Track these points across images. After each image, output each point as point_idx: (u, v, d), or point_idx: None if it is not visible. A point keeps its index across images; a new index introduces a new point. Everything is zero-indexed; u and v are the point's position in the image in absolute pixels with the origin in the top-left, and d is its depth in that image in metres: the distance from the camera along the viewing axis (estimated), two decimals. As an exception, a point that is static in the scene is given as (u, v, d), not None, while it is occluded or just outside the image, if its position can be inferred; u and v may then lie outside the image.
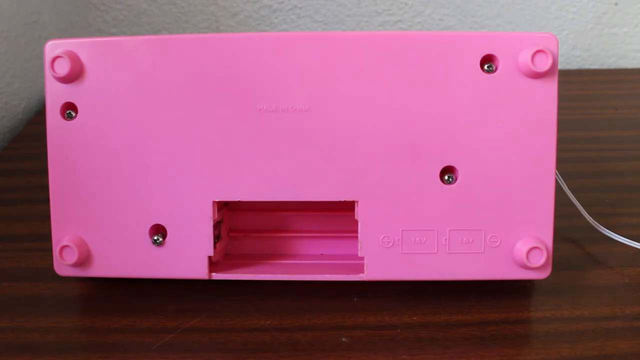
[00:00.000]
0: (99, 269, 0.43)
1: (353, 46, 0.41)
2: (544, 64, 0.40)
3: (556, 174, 0.42)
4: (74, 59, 0.42)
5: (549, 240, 0.42)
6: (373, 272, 0.43)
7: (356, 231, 0.43)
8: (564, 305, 0.43)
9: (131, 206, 0.43)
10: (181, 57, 0.42)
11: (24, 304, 0.44)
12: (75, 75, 0.42)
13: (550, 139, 0.41)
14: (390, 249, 0.42)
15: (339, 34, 0.41)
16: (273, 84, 0.42)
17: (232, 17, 0.98)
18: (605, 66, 1.03)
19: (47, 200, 0.43)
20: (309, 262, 0.46)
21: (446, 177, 0.42)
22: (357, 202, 0.42)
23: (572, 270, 0.47)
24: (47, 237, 0.45)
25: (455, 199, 0.42)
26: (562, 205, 0.46)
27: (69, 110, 0.43)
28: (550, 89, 0.41)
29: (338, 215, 0.46)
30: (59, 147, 0.43)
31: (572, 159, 0.65)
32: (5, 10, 0.79)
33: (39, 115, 0.83)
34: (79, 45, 0.42)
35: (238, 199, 0.42)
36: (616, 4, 0.99)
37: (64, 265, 0.43)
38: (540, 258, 0.41)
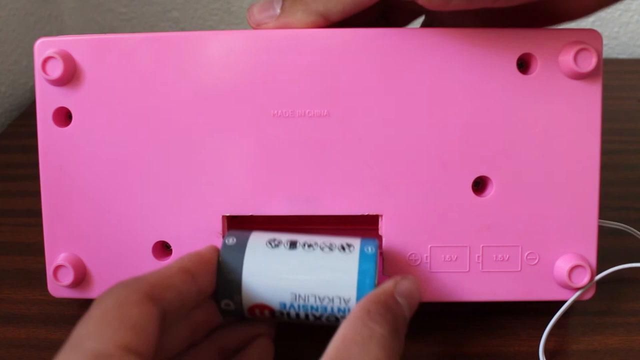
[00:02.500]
0: (97, 290, 0.40)
1: (377, 44, 0.37)
2: (587, 64, 0.37)
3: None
4: (68, 59, 0.38)
5: (592, 257, 0.39)
6: (400, 293, 0.39)
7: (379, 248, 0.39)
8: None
9: (132, 222, 0.39)
10: (186, 57, 0.38)
11: (13, 276, 0.47)
12: (68, 77, 0.38)
13: (593, 146, 0.38)
14: (418, 268, 0.39)
15: (361, 30, 0.37)
16: (289, 87, 0.38)
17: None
18: (633, 56, 0.99)
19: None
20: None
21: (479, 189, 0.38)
22: (381, 216, 0.39)
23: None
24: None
25: (489, 213, 0.38)
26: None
27: (62, 116, 0.39)
28: (594, 91, 0.38)
29: (360, 230, 0.42)
30: (51, 157, 0.39)
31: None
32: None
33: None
34: (72, 44, 0.38)
35: (250, 214, 0.39)
36: (647, -11, 0.96)
37: (58, 286, 0.39)
38: (584, 277, 0.38)
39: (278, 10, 0.38)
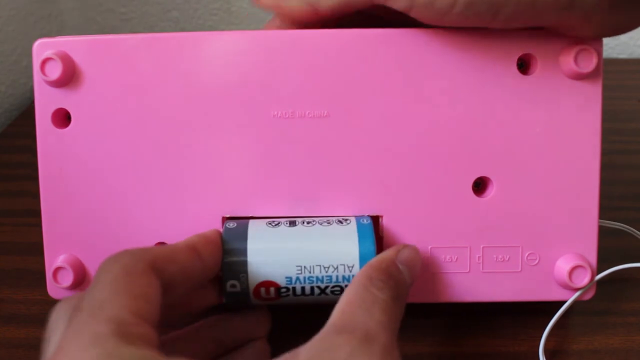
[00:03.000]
0: (96, 294, 0.39)
1: (377, 45, 0.37)
2: (588, 64, 0.37)
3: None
4: (67, 60, 0.37)
5: (593, 257, 0.38)
6: (400, 294, 0.39)
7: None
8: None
9: (132, 223, 0.39)
10: (186, 58, 0.38)
11: (13, 276, 0.47)
12: (67, 78, 0.38)
13: (594, 146, 0.38)
14: (419, 269, 0.39)
15: (361, 31, 0.37)
16: (288, 88, 0.37)
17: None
18: (633, 56, 0.99)
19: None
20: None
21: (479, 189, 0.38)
22: (381, 217, 0.38)
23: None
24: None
25: (490, 213, 0.38)
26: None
27: (61, 117, 0.38)
28: (594, 92, 0.38)
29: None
30: (51, 158, 0.38)
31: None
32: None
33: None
34: (71, 44, 0.38)
35: (250, 215, 0.38)
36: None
37: (58, 288, 0.39)
38: (585, 277, 0.38)
39: None
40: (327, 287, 0.35)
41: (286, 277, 0.35)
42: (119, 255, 0.30)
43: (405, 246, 0.36)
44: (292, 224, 0.37)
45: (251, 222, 0.37)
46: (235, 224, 0.37)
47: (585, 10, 0.33)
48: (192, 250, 0.33)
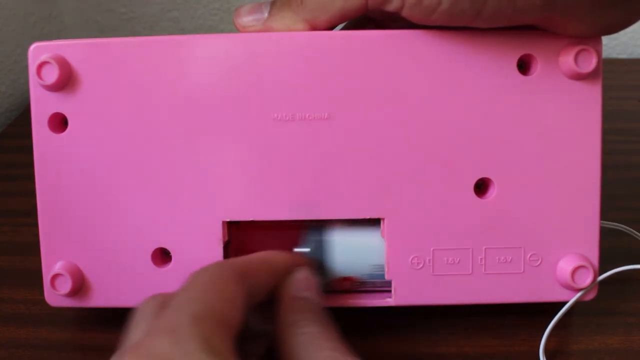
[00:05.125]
0: (96, 299, 0.39)
1: (377, 46, 0.37)
2: (588, 64, 0.36)
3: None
4: (63, 64, 0.37)
5: (594, 258, 0.38)
6: (402, 296, 0.39)
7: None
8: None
9: (131, 228, 0.38)
10: (184, 61, 0.37)
11: (13, 276, 0.47)
12: (64, 82, 0.37)
13: (594, 146, 0.38)
14: (421, 271, 0.38)
15: (361, 33, 0.37)
16: (289, 90, 0.37)
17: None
18: (633, 56, 0.98)
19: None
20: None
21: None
22: (383, 219, 0.38)
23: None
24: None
25: (492, 215, 0.38)
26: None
27: (58, 121, 0.38)
28: (594, 91, 0.37)
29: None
30: (47, 164, 0.38)
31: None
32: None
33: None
34: (67, 48, 0.38)
35: (251, 219, 0.38)
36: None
37: (56, 295, 0.39)
38: (587, 278, 0.38)
39: (266, 14, 0.38)
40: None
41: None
42: (208, 265, 0.32)
43: (290, 275, 0.36)
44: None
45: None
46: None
47: (567, 9, 0.33)
48: (266, 262, 0.35)
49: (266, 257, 0.35)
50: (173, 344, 0.26)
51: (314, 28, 0.37)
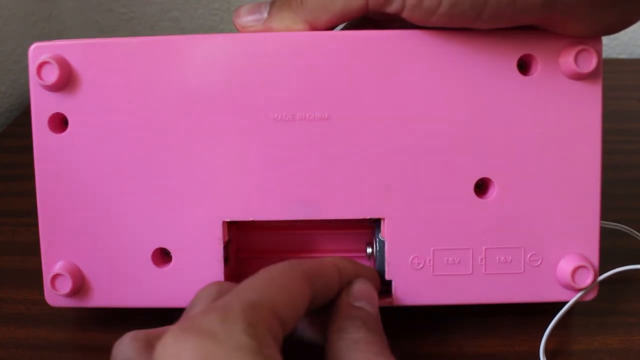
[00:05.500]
0: (96, 299, 0.39)
1: (378, 46, 0.37)
2: (588, 64, 0.36)
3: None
4: (63, 64, 0.37)
5: (595, 258, 0.38)
6: (402, 296, 0.39)
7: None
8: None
9: (131, 228, 0.38)
10: (184, 61, 0.37)
11: (13, 276, 0.47)
12: (64, 82, 0.37)
13: (594, 146, 0.38)
14: (421, 271, 0.38)
15: (362, 33, 0.37)
16: (289, 90, 0.37)
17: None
18: (633, 56, 0.98)
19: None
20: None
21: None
22: (383, 219, 0.38)
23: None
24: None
25: (492, 215, 0.38)
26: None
27: (58, 122, 0.38)
28: (594, 92, 0.37)
29: (361, 233, 0.42)
30: (48, 164, 0.38)
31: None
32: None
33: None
34: (67, 48, 0.37)
35: (251, 219, 0.38)
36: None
37: (56, 295, 0.39)
38: (587, 278, 0.38)
39: (265, 15, 0.38)
40: None
41: None
42: (280, 264, 0.32)
43: (352, 283, 0.36)
44: None
45: None
46: None
47: (567, 9, 0.33)
48: (336, 268, 0.35)
49: (337, 263, 0.35)
50: (220, 322, 0.26)
51: (314, 28, 0.37)
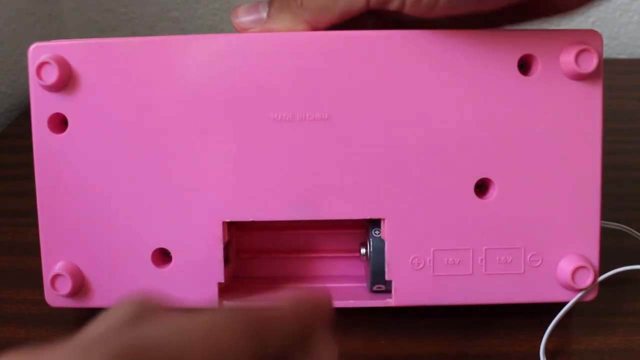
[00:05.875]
0: (96, 299, 0.39)
1: (378, 46, 0.37)
2: (588, 64, 0.36)
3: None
4: (63, 64, 0.37)
5: (595, 258, 0.38)
6: (402, 296, 0.39)
7: (381, 251, 0.39)
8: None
9: (131, 229, 0.38)
10: (184, 61, 0.37)
11: (13, 276, 0.46)
12: (64, 82, 0.37)
13: (595, 146, 0.38)
14: (421, 271, 0.38)
15: (362, 33, 0.37)
16: (289, 90, 0.37)
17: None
18: (633, 56, 0.98)
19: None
20: (328, 285, 0.41)
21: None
22: (383, 219, 0.38)
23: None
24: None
25: (492, 215, 0.38)
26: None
27: (57, 122, 0.38)
28: (594, 92, 0.37)
29: (360, 233, 0.42)
30: (47, 164, 0.38)
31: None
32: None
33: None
34: (67, 48, 0.37)
35: (251, 219, 0.38)
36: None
37: (56, 295, 0.39)
38: (587, 278, 0.38)
39: (264, 15, 0.37)
40: None
41: None
42: (215, 312, 0.25)
43: (316, 345, 0.29)
44: None
45: None
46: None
47: None
48: (295, 316, 0.27)
49: (297, 310, 0.28)
50: None
51: (315, 28, 0.37)
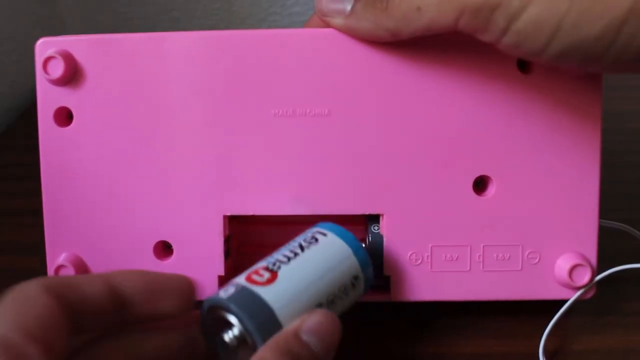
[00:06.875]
0: (98, 292, 0.39)
1: (379, 43, 0.37)
2: (588, 64, 0.37)
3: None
4: (69, 59, 0.37)
5: (593, 256, 0.39)
6: (399, 292, 0.39)
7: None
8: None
9: (134, 221, 0.39)
10: (188, 57, 0.38)
11: (13, 276, 0.44)
12: (69, 77, 0.38)
13: (594, 145, 0.38)
14: (419, 267, 0.39)
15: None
16: (289, 86, 0.38)
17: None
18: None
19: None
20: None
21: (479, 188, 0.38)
22: (382, 215, 0.39)
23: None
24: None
25: (490, 212, 0.38)
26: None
27: (63, 115, 0.39)
28: (594, 91, 0.38)
29: (359, 229, 0.42)
30: (53, 157, 0.39)
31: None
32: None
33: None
34: (73, 43, 0.38)
35: (251, 213, 0.38)
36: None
37: (59, 287, 0.39)
38: (585, 276, 0.38)
39: (348, 7, 0.36)
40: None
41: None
42: (22, 284, 0.30)
43: (313, 312, 0.31)
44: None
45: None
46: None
47: None
48: (103, 281, 0.31)
49: (108, 277, 0.32)
50: None
51: (395, 38, 0.35)
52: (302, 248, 0.35)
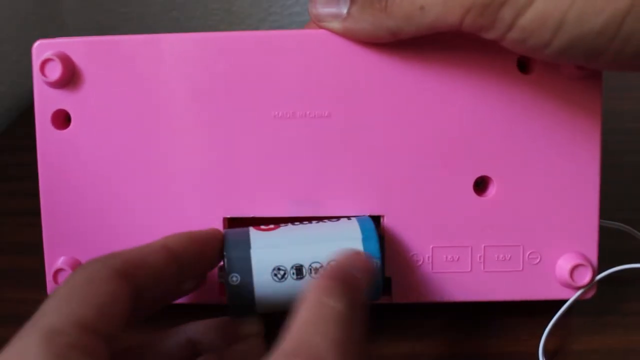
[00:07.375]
0: (97, 295, 0.39)
1: (379, 45, 0.37)
2: (588, 63, 0.37)
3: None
4: (66, 61, 0.37)
5: (593, 256, 0.38)
6: (401, 293, 0.39)
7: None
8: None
9: (133, 224, 0.39)
10: (187, 59, 0.37)
11: (13, 276, 0.46)
12: (67, 79, 0.38)
13: (594, 145, 0.38)
14: (420, 268, 0.39)
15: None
16: (289, 88, 0.37)
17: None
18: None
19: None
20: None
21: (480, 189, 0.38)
22: (383, 216, 0.38)
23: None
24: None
25: (491, 213, 0.38)
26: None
27: (61, 118, 0.38)
28: (594, 91, 0.37)
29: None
30: (51, 160, 0.38)
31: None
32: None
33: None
34: (71, 45, 0.38)
35: (251, 215, 0.38)
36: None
37: (58, 290, 0.39)
38: (586, 276, 0.38)
39: (344, 11, 0.35)
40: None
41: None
42: (86, 264, 0.29)
43: (354, 252, 0.33)
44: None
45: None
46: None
47: None
48: (167, 251, 0.32)
49: (166, 244, 0.32)
50: None
51: (398, 38, 0.35)
52: (320, 220, 0.37)
